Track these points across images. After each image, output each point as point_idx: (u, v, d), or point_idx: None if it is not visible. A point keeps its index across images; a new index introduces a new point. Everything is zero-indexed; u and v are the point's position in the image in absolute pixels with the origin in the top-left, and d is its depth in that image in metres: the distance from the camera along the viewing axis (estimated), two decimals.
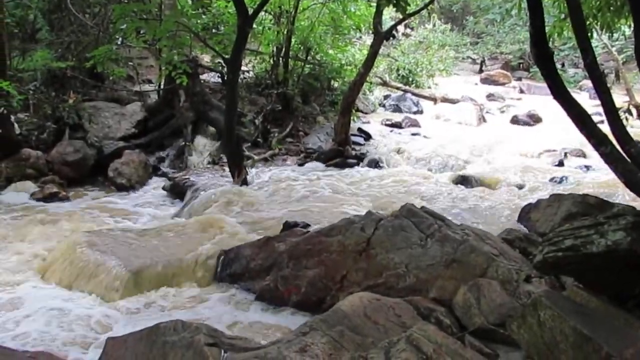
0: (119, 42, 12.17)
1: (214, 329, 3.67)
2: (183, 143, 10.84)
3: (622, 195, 7.72)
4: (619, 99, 9.84)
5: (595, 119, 5.25)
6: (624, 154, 4.38)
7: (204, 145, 10.95)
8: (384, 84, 18.51)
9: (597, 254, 3.49)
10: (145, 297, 5.19)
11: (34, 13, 11.44)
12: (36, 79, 10.28)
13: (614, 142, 4.52)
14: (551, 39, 7.48)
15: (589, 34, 5.27)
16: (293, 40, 12.91)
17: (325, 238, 5.21)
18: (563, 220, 6.03)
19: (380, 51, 12.20)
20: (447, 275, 4.58)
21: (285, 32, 12.62)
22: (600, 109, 4.90)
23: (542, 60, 4.91)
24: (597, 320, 3.34)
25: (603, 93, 4.55)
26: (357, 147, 11.86)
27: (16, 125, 9.34)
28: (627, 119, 5.46)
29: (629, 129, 4.80)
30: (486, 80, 24.18)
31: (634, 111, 15.78)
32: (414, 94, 18.34)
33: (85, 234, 6.19)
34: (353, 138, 12.03)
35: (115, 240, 6.04)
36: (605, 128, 4.81)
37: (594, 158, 10.26)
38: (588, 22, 6.67)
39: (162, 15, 10.55)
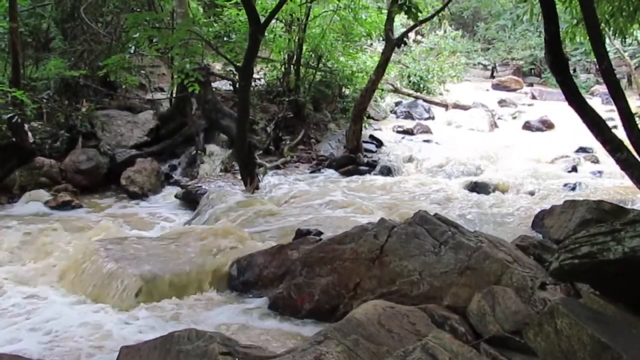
0: (131, 51, 12.23)
1: (228, 337, 3.67)
2: (195, 151, 10.86)
3: (638, 201, 7.66)
4: (632, 103, 9.80)
5: (608, 124, 5.22)
6: None
7: (216, 153, 10.96)
8: (395, 90, 18.50)
9: (614, 261, 3.45)
10: (159, 305, 5.18)
11: (48, 22, 11.52)
12: (49, 88, 10.34)
13: (630, 148, 4.49)
14: (563, 45, 7.46)
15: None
16: (304, 47, 12.93)
17: (338, 246, 5.19)
18: (578, 227, 5.99)
19: (392, 58, 12.17)
20: (461, 282, 4.54)
21: (296, 40, 12.64)
22: (613, 114, 4.89)
23: (557, 67, 4.90)
24: (615, 328, 3.30)
25: (619, 99, 4.53)
26: (369, 154, 11.83)
27: (30, 134, 9.38)
28: None
29: None
30: (498, 86, 24.15)
31: None
32: (425, 100, 18.33)
33: (98, 242, 6.20)
34: (365, 145, 12.02)
35: (129, 249, 6.04)
36: (619, 133, 4.78)
37: (607, 164, 10.20)
38: (601, 28, 6.63)
39: (174, 23, 10.60)
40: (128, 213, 8.69)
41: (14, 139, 8.91)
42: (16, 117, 8.61)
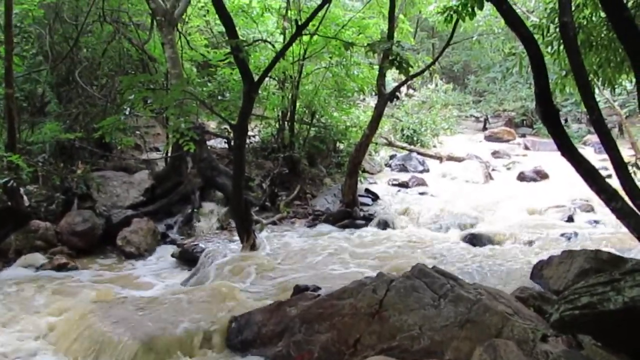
0: (126, 112, 12.34)
1: None
2: (191, 209, 10.87)
3: (635, 250, 7.65)
4: (624, 152, 9.78)
5: (602, 173, 5.25)
6: (635, 209, 4.37)
7: (212, 211, 10.96)
8: (390, 144, 18.65)
9: (615, 311, 3.44)
10: None
11: (43, 87, 11.64)
12: (45, 151, 10.39)
13: (624, 196, 4.51)
14: (554, 96, 7.56)
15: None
16: (298, 104, 13.06)
17: (337, 301, 5.16)
18: (577, 277, 5.97)
19: (385, 112, 12.29)
20: (462, 336, 4.51)
21: (290, 97, 12.78)
22: (606, 164, 4.93)
23: (548, 118, 4.96)
24: None
25: (611, 149, 4.58)
26: (365, 208, 11.84)
27: (25, 198, 9.38)
28: (635, 172, 5.46)
29: (637, 182, 4.80)
30: (490, 138, 24.37)
31: None
32: (419, 153, 18.47)
33: (94, 305, 6.16)
34: (361, 199, 12.04)
35: (125, 310, 5.99)
36: (612, 182, 4.81)
37: (603, 213, 10.22)
38: (590, 79, 6.74)
39: (168, 84, 10.72)
40: (124, 274, 8.64)
41: (9, 203, 8.92)
42: (12, 181, 8.64)
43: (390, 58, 8.70)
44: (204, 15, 13.83)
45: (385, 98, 11.14)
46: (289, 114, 13.13)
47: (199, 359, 5.34)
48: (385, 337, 4.74)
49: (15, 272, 8.38)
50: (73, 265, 8.73)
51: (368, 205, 12.17)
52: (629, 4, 6.18)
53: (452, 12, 6.92)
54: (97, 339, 5.40)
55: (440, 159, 18.70)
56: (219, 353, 5.47)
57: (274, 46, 11.75)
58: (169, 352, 5.31)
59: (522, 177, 16.25)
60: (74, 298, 7.17)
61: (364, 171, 13.87)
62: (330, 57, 12.63)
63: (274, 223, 10.89)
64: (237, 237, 9.10)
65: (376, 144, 16.14)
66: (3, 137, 9.33)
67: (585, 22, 7.16)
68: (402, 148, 18.86)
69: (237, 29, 8.12)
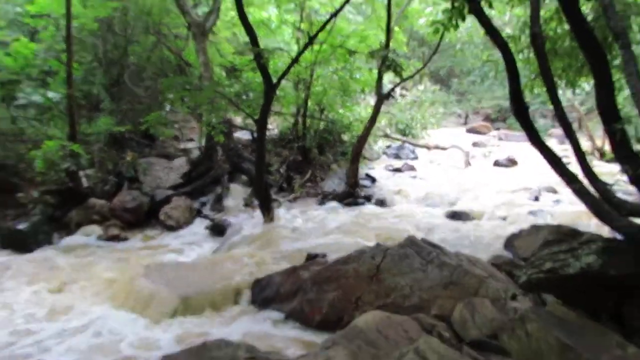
0: (167, 109, 12.35)
1: (251, 345, 3.66)
2: (221, 190, 10.88)
3: (591, 224, 7.62)
4: (582, 143, 9.68)
5: (564, 160, 5.22)
6: (591, 190, 4.36)
7: (238, 191, 10.97)
8: (386, 136, 18.57)
9: (574, 275, 3.45)
10: (193, 319, 5.17)
11: (98, 87, 11.65)
12: (100, 141, 10.42)
13: (583, 179, 4.49)
14: (524, 95, 7.50)
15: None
16: (309, 102, 13.02)
17: (342, 266, 5.19)
18: (542, 247, 5.94)
19: (382, 109, 12.23)
20: (446, 295, 4.54)
21: (303, 96, 12.75)
22: (567, 153, 4.90)
23: (520, 114, 4.95)
24: (576, 332, 3.28)
25: (572, 140, 4.56)
26: (365, 189, 11.83)
27: (84, 180, 9.45)
28: (591, 160, 5.42)
29: (593, 168, 4.77)
30: (471, 131, 24.25)
31: (596, 154, 15.79)
32: (410, 143, 18.39)
33: (141, 267, 6.22)
34: (362, 181, 12.03)
35: (167, 272, 6.06)
36: (573, 168, 4.80)
37: (564, 193, 10.19)
38: (555, 81, 6.68)
39: (202, 85, 10.71)
40: (166, 243, 8.69)
41: (70, 184, 8.99)
42: (72, 166, 8.71)
43: (386, 63, 8.67)
44: (231, 28, 13.79)
45: (382, 97, 11.11)
46: (302, 110, 13.10)
47: (228, 312, 5.40)
48: (381, 295, 4.78)
49: (76, 241, 8.46)
50: (124, 236, 8.80)
51: (368, 186, 12.17)
52: (589, 18, 6.12)
53: (439, 25, 6.86)
54: (145, 296, 5.48)
55: (428, 148, 18.63)
56: (245, 308, 5.53)
57: (289, 53, 11.70)
58: (202, 306, 5.39)
59: (497, 164, 16.17)
60: (125, 262, 7.24)
61: (364, 158, 13.85)
62: (337, 63, 12.58)
63: (289, 201, 10.91)
64: (259, 213, 9.13)
65: (375, 135, 16.07)
66: (65, 129, 9.37)
67: (551, 33, 7.09)
68: (396, 139, 18.78)
69: (258, 39, 8.08)
